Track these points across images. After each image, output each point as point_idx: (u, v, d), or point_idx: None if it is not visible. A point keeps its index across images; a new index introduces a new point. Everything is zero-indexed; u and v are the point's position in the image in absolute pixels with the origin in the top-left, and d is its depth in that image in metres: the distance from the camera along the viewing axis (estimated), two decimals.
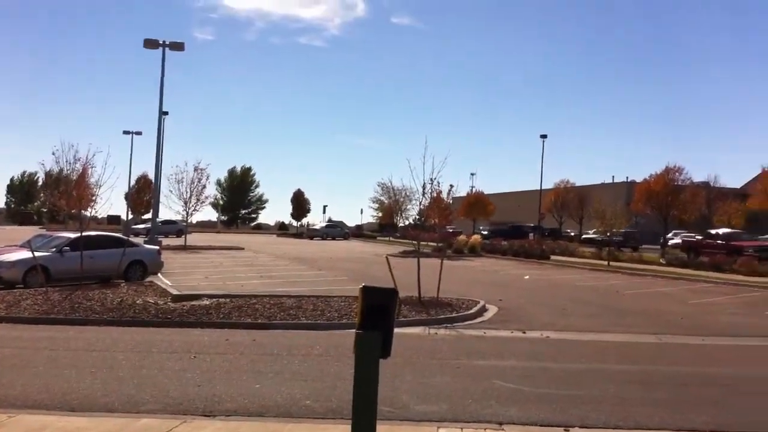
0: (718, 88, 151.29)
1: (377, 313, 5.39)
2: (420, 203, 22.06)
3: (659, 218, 58.75)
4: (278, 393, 8.84)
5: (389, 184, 61.89)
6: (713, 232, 46.03)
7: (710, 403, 9.06)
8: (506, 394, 9.14)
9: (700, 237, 46.57)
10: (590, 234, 67.51)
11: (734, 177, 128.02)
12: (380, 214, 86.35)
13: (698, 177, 68.41)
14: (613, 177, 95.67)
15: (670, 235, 66.42)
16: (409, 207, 54.43)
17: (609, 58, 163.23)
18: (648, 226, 70.07)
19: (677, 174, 60.91)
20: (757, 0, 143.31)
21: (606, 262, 37.90)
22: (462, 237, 52.54)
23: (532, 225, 74.73)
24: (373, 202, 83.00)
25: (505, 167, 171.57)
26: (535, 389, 9.46)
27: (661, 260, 39.80)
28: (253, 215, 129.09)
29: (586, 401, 8.91)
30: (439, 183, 20.47)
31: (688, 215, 61.69)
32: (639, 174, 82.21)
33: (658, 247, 54.56)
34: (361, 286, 5.44)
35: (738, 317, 18.62)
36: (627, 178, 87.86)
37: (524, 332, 14.78)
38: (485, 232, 70.41)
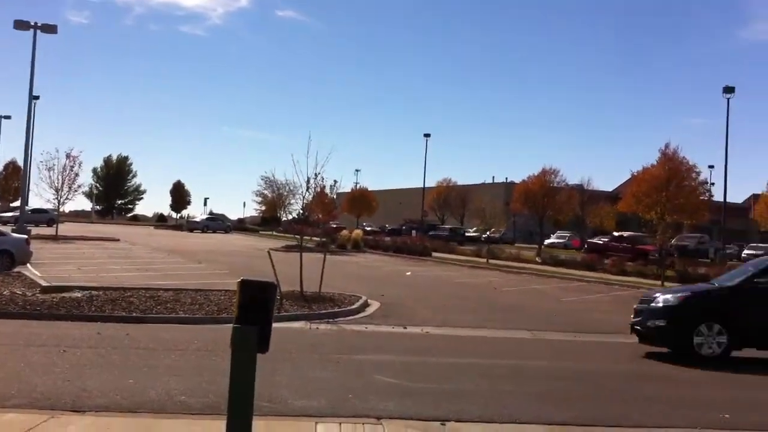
0: (595, 95, 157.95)
1: (255, 307, 5.29)
2: (304, 198, 21.95)
3: (536, 218, 60.83)
4: (152, 388, 8.56)
5: (273, 177, 61.21)
6: (618, 234, 47.21)
7: (581, 397, 9.40)
8: (385, 388, 9.18)
9: (605, 239, 47.66)
10: (471, 231, 69.11)
11: (606, 181, 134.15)
12: (263, 208, 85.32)
13: (573, 180, 71.00)
14: (493, 177, 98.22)
15: (554, 237, 68.87)
16: (292, 201, 54.04)
17: (490, 60, 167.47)
18: (525, 225, 72.42)
19: (553, 176, 63.17)
20: (638, 8, 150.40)
21: (485, 260, 38.87)
22: (345, 232, 52.68)
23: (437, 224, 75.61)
24: (257, 195, 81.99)
25: (390, 165, 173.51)
26: (413, 384, 9.54)
27: (537, 259, 41.17)
28: (130, 206, 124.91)
29: (463, 395, 9.06)
30: (323, 178, 20.45)
31: (563, 216, 64.21)
32: (518, 175, 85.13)
33: (535, 245, 56.23)
34: (239, 280, 5.33)
35: (608, 315, 19.43)
36: (506, 178, 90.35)
37: (405, 327, 14.93)
38: (369, 228, 70.71)
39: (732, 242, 69.73)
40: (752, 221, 68.72)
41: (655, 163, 46.45)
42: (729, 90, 48.51)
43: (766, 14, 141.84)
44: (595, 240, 52.30)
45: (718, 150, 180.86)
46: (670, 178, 43.95)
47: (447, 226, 73.13)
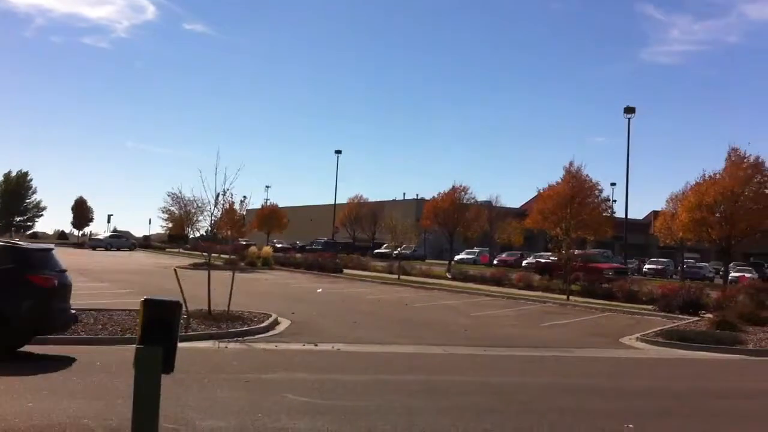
0: (504, 113, 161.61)
1: (159, 326, 5.12)
2: (212, 215, 21.49)
3: (446, 234, 61.59)
4: (53, 412, 8.16)
5: (180, 194, 59.91)
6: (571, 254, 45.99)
7: (491, 410, 9.46)
8: (296, 406, 9.02)
9: (554, 258, 44.95)
10: (382, 248, 69.34)
11: (514, 198, 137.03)
12: (170, 225, 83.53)
13: (482, 196, 72.26)
14: (404, 194, 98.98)
15: (464, 253, 69.71)
16: (200, 218, 52.98)
17: (401, 78, 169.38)
18: (436, 241, 73.21)
19: (463, 193, 64.18)
20: (544, 28, 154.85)
21: (397, 276, 39.04)
22: (254, 249, 52.00)
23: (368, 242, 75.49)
24: (163, 212, 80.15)
25: (302, 181, 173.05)
26: (325, 401, 9.42)
27: (447, 274, 41.61)
28: (30, 223, 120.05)
29: (374, 411, 8.99)
30: (232, 195, 20.09)
31: (472, 232, 65.23)
32: (429, 192, 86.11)
33: (446, 261, 56.77)
34: (142, 299, 5.15)
35: (517, 329, 19.78)
36: (417, 195, 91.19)
37: (316, 345, 14.77)
38: (279, 245, 70.05)
39: (633, 257, 72.30)
40: (652, 236, 71.35)
41: (560, 180, 47.86)
42: (629, 110, 50.44)
43: (663, 37, 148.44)
44: (542, 258, 50.62)
45: (620, 168, 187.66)
46: (574, 195, 45.35)
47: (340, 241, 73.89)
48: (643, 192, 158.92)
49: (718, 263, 59.32)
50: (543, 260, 48.37)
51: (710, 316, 22.21)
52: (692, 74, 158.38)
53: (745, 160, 42.24)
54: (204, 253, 23.20)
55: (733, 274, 50.96)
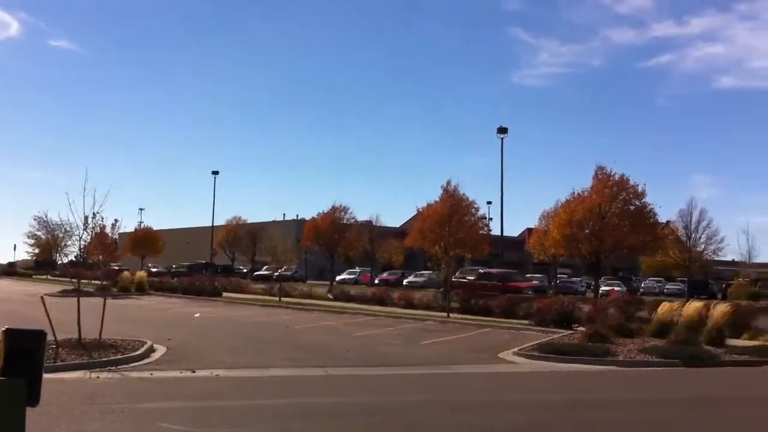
0: (383, 134, 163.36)
1: (22, 357, 4.80)
2: (81, 239, 20.59)
3: (327, 255, 61.53)
4: None
5: (46, 218, 57.38)
6: (485, 271, 43.98)
7: (373, 430, 9.42)
8: None
9: (471, 277, 43.93)
10: (263, 270, 68.54)
11: (394, 217, 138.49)
12: (37, 251, 79.86)
13: (362, 216, 72.54)
14: (284, 214, 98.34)
15: (346, 273, 69.76)
16: (69, 243, 50.91)
17: (277, 99, 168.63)
18: (317, 262, 73.01)
19: (343, 213, 64.30)
20: (419, 50, 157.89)
21: (277, 298, 38.57)
22: (126, 274, 50.22)
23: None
24: (29, 237, 76.66)
25: (178, 204, 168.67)
26: (201, 429, 9.14)
27: (328, 295, 41.46)
28: None
29: None
30: (102, 218, 19.33)
31: (354, 252, 65.48)
32: (309, 212, 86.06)
33: (327, 282, 56.61)
34: (2, 329, 4.82)
35: (398, 347, 19.87)
36: (297, 215, 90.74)
37: (193, 371, 14.32)
38: (154, 270, 68.01)
39: None
40: (527, 253, 73.69)
41: (438, 199, 48.70)
42: (502, 131, 52.05)
43: (533, 60, 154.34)
44: (461, 276, 47.10)
45: (495, 187, 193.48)
46: (452, 214, 46.21)
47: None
48: (517, 210, 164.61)
49: (589, 278, 61.87)
50: (461, 280, 45.34)
51: (583, 329, 23.05)
52: (561, 95, 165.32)
53: (611, 178, 44.29)
54: (73, 280, 22.20)
55: (603, 288, 53.28)
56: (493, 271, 44.71)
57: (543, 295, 37.14)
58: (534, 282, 46.26)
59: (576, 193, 45.63)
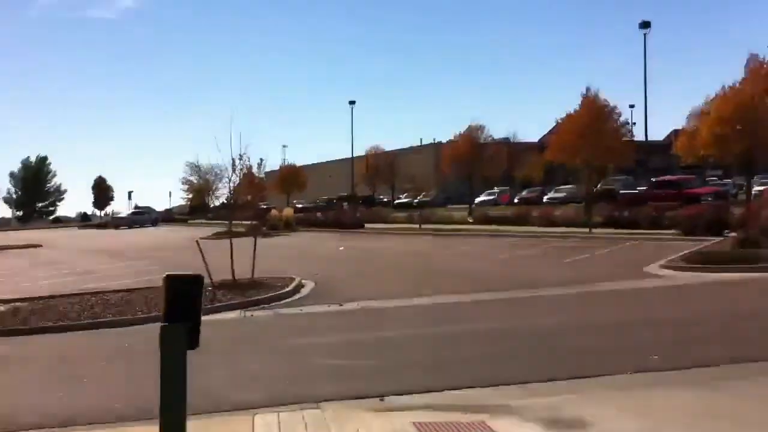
0: (512, 40, 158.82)
1: (182, 302, 5.15)
2: (230, 181, 21.42)
3: (465, 178, 61.14)
4: (84, 399, 8.33)
5: (197, 163, 59.99)
6: (659, 180, 41.13)
7: (522, 354, 9.52)
8: (323, 370, 9.12)
9: (643, 188, 41.95)
10: (402, 198, 69.26)
11: (532, 131, 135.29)
12: (191, 196, 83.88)
13: (499, 134, 71.17)
14: (421, 139, 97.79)
15: (484, 195, 69.43)
16: (220, 186, 53.19)
17: (402, 19, 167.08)
18: (456, 186, 72.84)
19: (479, 132, 63.30)
20: None
21: (418, 226, 39.02)
22: (275, 212, 52.12)
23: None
24: (183, 183, 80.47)
25: (317, 137, 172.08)
26: (351, 362, 9.52)
27: (469, 218, 41.53)
28: (51, 208, 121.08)
29: (403, 367, 9.09)
30: (249, 158, 20.05)
31: (492, 173, 64.76)
32: (445, 134, 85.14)
33: (467, 205, 56.43)
34: (164, 276, 5.19)
35: (541, 268, 19.71)
36: (434, 139, 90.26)
37: (341, 305, 14.85)
38: (300, 206, 70.14)
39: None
40: (674, 157, 70.52)
41: (577, 108, 47.07)
42: (645, 25, 49.20)
43: None
44: (628, 190, 45.02)
45: (638, 87, 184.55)
46: (593, 123, 44.63)
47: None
48: (662, 111, 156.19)
49: (742, 178, 58.59)
50: (625, 191, 43.73)
51: (734, 234, 22.03)
52: None
53: (765, 66, 41.04)
54: (226, 222, 23.25)
55: (756, 188, 50.36)
56: (668, 178, 41.16)
57: (724, 201, 33.91)
58: (712, 188, 42.11)
59: (727, 88, 42.81)
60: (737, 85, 41.32)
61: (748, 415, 6.60)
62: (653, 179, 41.54)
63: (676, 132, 72.63)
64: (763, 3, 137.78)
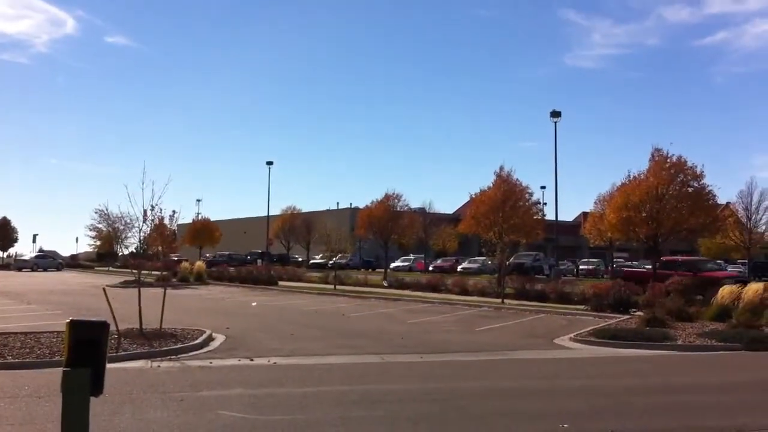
0: (434, 122, 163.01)
1: (86, 348, 4.98)
2: (141, 231, 21.00)
3: (381, 243, 61.69)
4: None
5: (107, 210, 58.64)
6: (669, 259, 38.98)
7: (429, 417, 9.48)
8: (232, 423, 8.87)
9: (647, 267, 40.65)
10: (317, 258, 69.10)
11: (447, 203, 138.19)
12: (98, 243, 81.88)
13: (415, 203, 72.50)
14: (338, 203, 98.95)
15: (400, 261, 69.91)
16: (129, 235, 51.94)
17: (329, 87, 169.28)
18: (371, 250, 73.30)
19: (396, 200, 64.37)
20: (465, 37, 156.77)
21: (333, 286, 38.88)
22: (185, 264, 51.10)
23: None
24: (90, 230, 78.55)
25: (234, 194, 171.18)
26: (261, 416, 9.29)
27: (383, 282, 41.64)
28: None
29: (314, 425, 8.92)
30: (161, 209, 19.71)
31: (407, 239, 65.55)
32: (362, 201, 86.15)
33: (382, 270, 56.78)
34: (68, 321, 5.00)
35: (453, 334, 19.87)
36: (351, 204, 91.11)
37: (252, 359, 14.57)
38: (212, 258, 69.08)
39: (565, 258, 73.73)
40: (582, 237, 72.83)
41: (491, 185, 48.40)
42: (555, 114, 51.40)
43: (585, 41, 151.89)
44: (633, 267, 43.96)
45: (549, 171, 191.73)
46: (506, 199, 45.91)
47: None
48: (572, 194, 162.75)
49: (647, 262, 60.89)
50: (630, 269, 42.17)
51: (640, 313, 22.74)
52: (614, 77, 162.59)
53: (668, 160, 43.46)
54: (134, 271, 22.68)
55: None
56: (680, 259, 39.09)
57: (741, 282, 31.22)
58: (730, 272, 40.58)
59: (632, 176, 44.90)
60: (642, 175, 43.59)
61: None
62: (663, 258, 39.47)
63: (584, 214, 75.40)
64: (667, 104, 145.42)
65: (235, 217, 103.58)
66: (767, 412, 10.31)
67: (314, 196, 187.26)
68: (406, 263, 69.95)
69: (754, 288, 23.41)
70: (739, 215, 58.16)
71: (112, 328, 10.56)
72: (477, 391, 11.69)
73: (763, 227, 57.63)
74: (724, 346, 17.54)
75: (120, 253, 64.08)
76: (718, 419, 9.58)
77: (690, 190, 43.47)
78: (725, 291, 23.63)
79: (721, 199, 51.74)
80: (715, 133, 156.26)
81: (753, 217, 57.01)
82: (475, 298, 31.87)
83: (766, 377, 13.96)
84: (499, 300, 29.69)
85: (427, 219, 73.73)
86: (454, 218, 75.95)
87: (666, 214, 42.05)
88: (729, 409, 10.48)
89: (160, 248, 22.98)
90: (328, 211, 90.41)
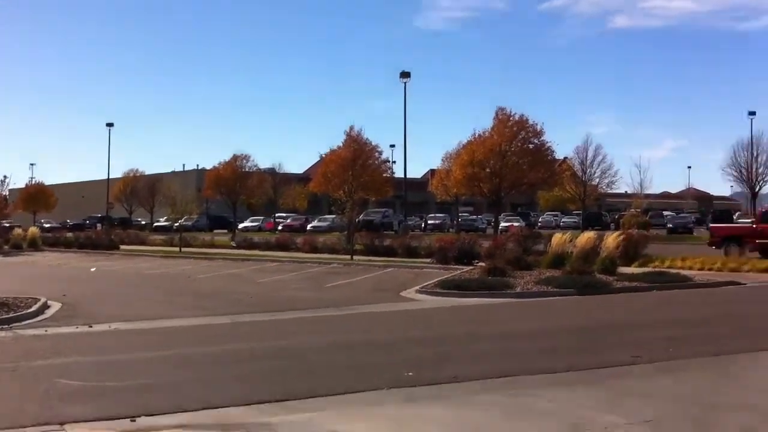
0: (283, 80, 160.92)
1: None
2: None
3: (229, 203, 60.79)
4: None
5: None
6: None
7: (281, 372, 9.48)
8: (70, 392, 8.46)
9: (746, 221, 35.69)
10: (162, 221, 67.08)
11: (298, 164, 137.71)
12: None
13: (265, 164, 71.78)
14: (183, 165, 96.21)
15: (249, 221, 69.04)
16: None
17: (173, 46, 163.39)
18: (219, 211, 72.02)
19: (245, 161, 63.57)
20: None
21: (178, 249, 37.86)
22: (18, 231, 48.11)
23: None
24: None
25: (72, 158, 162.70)
26: (101, 383, 8.92)
27: (231, 243, 40.98)
28: None
29: (157, 388, 8.68)
30: None
31: (256, 199, 64.95)
32: (209, 162, 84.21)
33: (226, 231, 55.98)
34: None
35: (303, 292, 19.87)
36: (198, 165, 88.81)
37: (91, 326, 13.92)
38: (48, 225, 65.58)
39: (414, 214, 75.34)
40: (429, 193, 74.62)
41: (341, 144, 48.66)
42: (405, 75, 51.96)
43: (435, 3, 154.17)
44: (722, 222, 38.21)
45: (399, 130, 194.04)
46: (356, 158, 46.35)
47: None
48: (420, 152, 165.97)
49: (490, 215, 63.36)
50: (731, 224, 37.42)
51: (483, 264, 23.60)
52: (462, 39, 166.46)
53: (510, 118, 45.24)
54: None
55: (503, 224, 54.54)
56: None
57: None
58: None
59: (477, 134, 46.53)
60: (486, 133, 45.30)
61: (491, 426, 7.07)
62: (762, 210, 33.68)
63: (432, 171, 77.16)
64: (512, 60, 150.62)
65: (73, 181, 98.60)
66: (595, 353, 10.96)
67: (159, 159, 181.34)
68: (255, 223, 69.22)
69: (586, 236, 24.78)
70: (575, 169, 61.52)
71: None
72: (324, 346, 11.77)
73: (597, 180, 61.38)
74: (558, 291, 18.55)
75: None
76: (552, 361, 10.09)
77: (531, 146, 45.61)
78: (558, 239, 24.86)
79: (559, 155, 54.62)
80: (555, 92, 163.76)
81: (588, 171, 60.52)
82: (324, 255, 31.96)
83: (593, 320, 14.82)
84: (349, 257, 29.94)
85: (276, 179, 73.21)
86: (305, 178, 75.76)
87: (508, 170, 43.98)
88: (561, 350, 11.09)
89: None
90: (173, 173, 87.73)
